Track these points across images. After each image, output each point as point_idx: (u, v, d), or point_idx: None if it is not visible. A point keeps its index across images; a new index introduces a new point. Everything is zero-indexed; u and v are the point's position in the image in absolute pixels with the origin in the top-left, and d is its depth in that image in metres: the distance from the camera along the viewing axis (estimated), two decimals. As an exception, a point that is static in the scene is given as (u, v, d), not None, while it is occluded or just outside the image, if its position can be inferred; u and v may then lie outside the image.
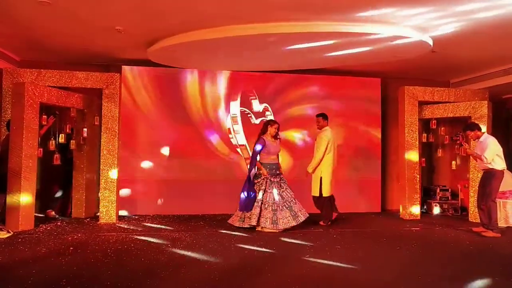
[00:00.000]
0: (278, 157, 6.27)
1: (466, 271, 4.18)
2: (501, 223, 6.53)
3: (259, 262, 4.40)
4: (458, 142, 6.41)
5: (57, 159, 6.39)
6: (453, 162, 7.49)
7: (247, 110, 7.76)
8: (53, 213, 6.91)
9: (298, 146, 7.96)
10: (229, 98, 7.71)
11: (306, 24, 5.28)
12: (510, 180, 6.67)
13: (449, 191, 8.13)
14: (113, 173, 6.63)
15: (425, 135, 7.67)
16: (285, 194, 5.99)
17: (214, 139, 7.65)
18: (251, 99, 7.78)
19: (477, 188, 6.25)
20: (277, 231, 5.79)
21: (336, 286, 3.65)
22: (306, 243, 5.24)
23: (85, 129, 6.83)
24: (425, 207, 8.15)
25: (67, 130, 6.63)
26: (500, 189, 6.08)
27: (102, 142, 6.66)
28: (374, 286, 3.63)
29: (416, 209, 7.34)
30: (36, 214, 6.16)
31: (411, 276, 3.95)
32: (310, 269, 4.17)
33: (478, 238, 5.71)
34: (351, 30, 5.34)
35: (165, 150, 7.52)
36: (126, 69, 7.34)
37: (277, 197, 5.90)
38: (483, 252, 4.96)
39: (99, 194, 6.68)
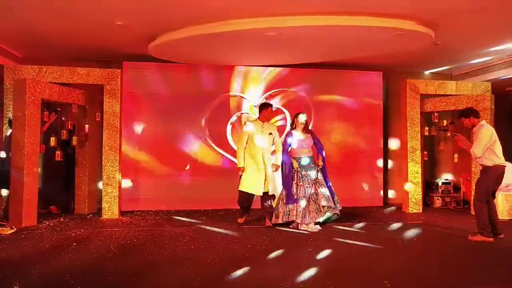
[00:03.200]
0: (310, 151, 5.98)
1: (468, 264, 4.18)
2: (504, 216, 6.53)
3: (261, 255, 4.41)
4: (447, 133, 5.44)
5: (59, 156, 6.41)
6: (455, 155, 7.48)
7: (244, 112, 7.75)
8: (55, 209, 6.93)
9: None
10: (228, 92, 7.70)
11: (305, 17, 5.26)
12: None
13: (451, 184, 8.12)
14: (115, 169, 6.65)
15: (427, 128, 7.64)
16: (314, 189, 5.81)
17: (216, 134, 7.65)
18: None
19: None
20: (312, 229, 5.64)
21: (337, 280, 3.66)
22: (308, 237, 5.25)
23: (86, 125, 6.83)
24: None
25: (69, 127, 6.65)
26: (504, 182, 5.92)
27: (103, 138, 6.67)
28: (375, 279, 3.63)
29: (418, 203, 7.35)
30: (39, 211, 6.17)
31: (412, 269, 3.96)
32: (312, 262, 4.18)
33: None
34: (352, 23, 5.31)
35: (167, 146, 7.51)
36: (127, 64, 7.32)
37: (308, 191, 5.76)
38: (485, 245, 4.94)
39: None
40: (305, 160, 5.89)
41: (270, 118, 6.01)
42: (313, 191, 5.79)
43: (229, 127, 7.66)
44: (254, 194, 5.89)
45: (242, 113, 7.71)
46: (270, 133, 5.93)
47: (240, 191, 5.92)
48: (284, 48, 6.49)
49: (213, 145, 7.61)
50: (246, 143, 5.88)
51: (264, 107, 6.01)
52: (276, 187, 6.06)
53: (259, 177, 5.82)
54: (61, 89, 6.37)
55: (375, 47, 6.51)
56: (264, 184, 5.83)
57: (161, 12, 5.22)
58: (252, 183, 5.83)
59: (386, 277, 3.67)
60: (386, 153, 8.31)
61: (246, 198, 5.93)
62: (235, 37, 5.79)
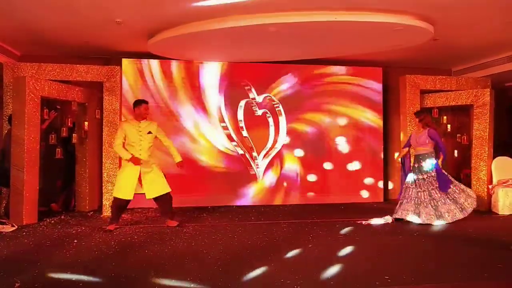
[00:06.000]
0: (427, 148, 5.94)
1: (469, 259, 4.19)
2: (505, 211, 6.54)
3: (262, 252, 4.41)
4: None
5: (59, 153, 6.41)
6: (455, 151, 7.47)
7: (253, 102, 7.75)
8: (56, 206, 6.94)
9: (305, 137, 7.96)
10: (229, 89, 7.69)
11: (306, 13, 5.26)
12: None
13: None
14: (115, 166, 6.63)
15: (427, 123, 7.63)
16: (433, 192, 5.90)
17: (216, 131, 7.64)
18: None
19: None
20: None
21: (339, 276, 3.66)
22: (309, 234, 5.26)
23: (86, 123, 6.83)
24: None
25: (69, 124, 6.64)
26: (505, 177, 5.86)
27: (103, 135, 6.67)
28: (377, 275, 3.64)
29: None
30: (40, 208, 6.18)
31: (413, 265, 3.96)
32: (313, 259, 4.18)
33: (481, 225, 5.71)
34: (351, 18, 5.30)
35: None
36: (126, 62, 7.31)
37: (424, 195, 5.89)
38: (486, 239, 4.95)
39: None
40: (420, 157, 5.92)
41: (145, 116, 5.46)
42: (425, 195, 5.86)
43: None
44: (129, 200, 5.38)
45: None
46: (150, 132, 5.41)
47: (115, 197, 5.39)
48: (284, 44, 6.48)
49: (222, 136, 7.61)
50: (124, 143, 5.36)
51: (136, 105, 5.49)
52: (166, 186, 5.50)
53: (133, 182, 5.28)
54: (61, 86, 6.36)
55: (374, 43, 6.50)
56: (142, 187, 5.33)
57: (161, 8, 5.21)
58: (126, 188, 5.28)
59: (387, 272, 3.67)
60: (386, 149, 8.30)
61: (121, 204, 5.40)
62: (235, 33, 5.77)
